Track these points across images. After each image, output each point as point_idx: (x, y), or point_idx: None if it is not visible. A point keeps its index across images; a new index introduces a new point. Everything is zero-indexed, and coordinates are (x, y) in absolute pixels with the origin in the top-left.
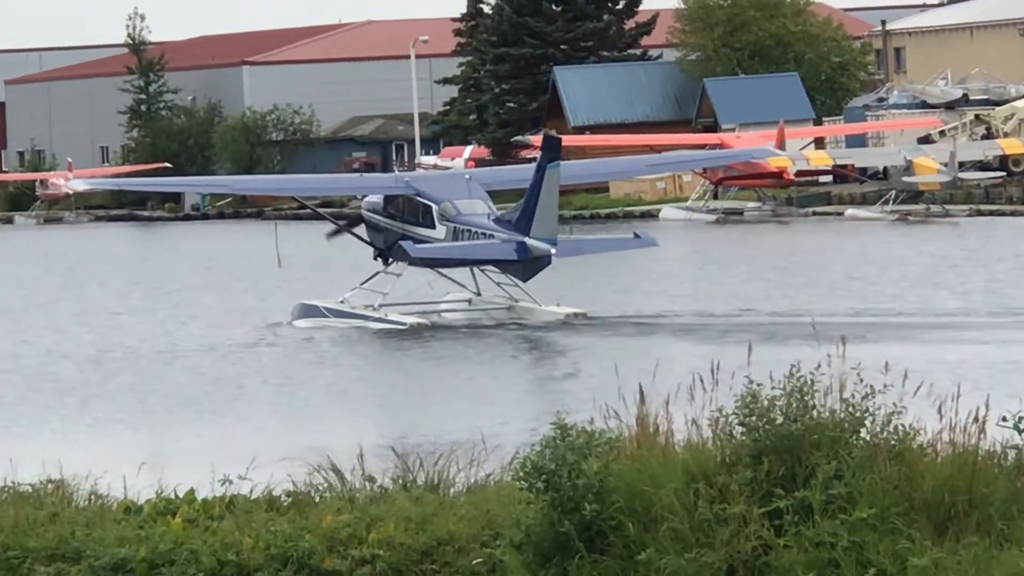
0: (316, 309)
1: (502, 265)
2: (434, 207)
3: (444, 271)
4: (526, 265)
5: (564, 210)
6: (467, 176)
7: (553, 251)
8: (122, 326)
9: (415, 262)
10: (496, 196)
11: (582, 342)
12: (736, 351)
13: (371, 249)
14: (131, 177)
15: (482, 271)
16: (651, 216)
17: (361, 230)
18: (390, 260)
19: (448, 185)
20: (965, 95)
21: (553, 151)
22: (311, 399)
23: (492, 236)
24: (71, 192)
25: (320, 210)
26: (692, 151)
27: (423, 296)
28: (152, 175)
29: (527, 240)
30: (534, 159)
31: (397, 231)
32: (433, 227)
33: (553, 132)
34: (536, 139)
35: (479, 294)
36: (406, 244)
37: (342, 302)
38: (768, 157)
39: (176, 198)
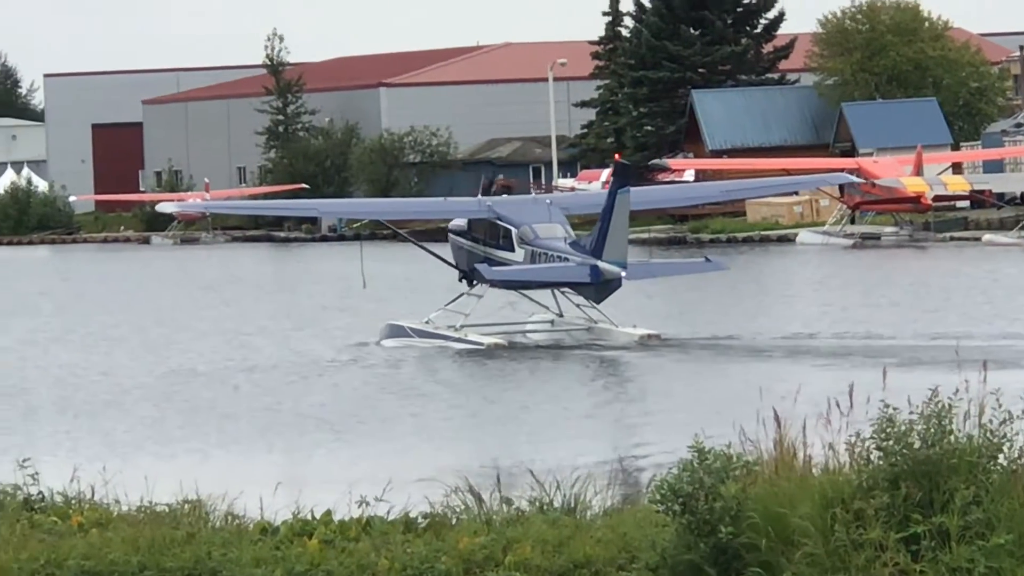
0: (402, 329)
1: (576, 287)
2: (513, 230)
3: (526, 292)
4: (598, 287)
5: (701, 233)
6: (548, 201)
7: (623, 274)
8: (253, 345)
9: (496, 284)
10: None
11: (709, 366)
12: (871, 375)
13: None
14: (266, 199)
15: (562, 293)
16: (787, 240)
17: (447, 252)
18: (474, 282)
19: (528, 209)
20: None
21: (623, 178)
22: (442, 419)
23: (567, 259)
24: (206, 213)
25: (405, 233)
26: (771, 178)
27: (509, 317)
28: (289, 196)
29: (599, 263)
30: (672, 182)
31: (479, 253)
32: (512, 250)
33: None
34: (674, 163)
35: (561, 315)
36: (481, 266)
37: (427, 322)
38: (840, 183)
39: (313, 219)
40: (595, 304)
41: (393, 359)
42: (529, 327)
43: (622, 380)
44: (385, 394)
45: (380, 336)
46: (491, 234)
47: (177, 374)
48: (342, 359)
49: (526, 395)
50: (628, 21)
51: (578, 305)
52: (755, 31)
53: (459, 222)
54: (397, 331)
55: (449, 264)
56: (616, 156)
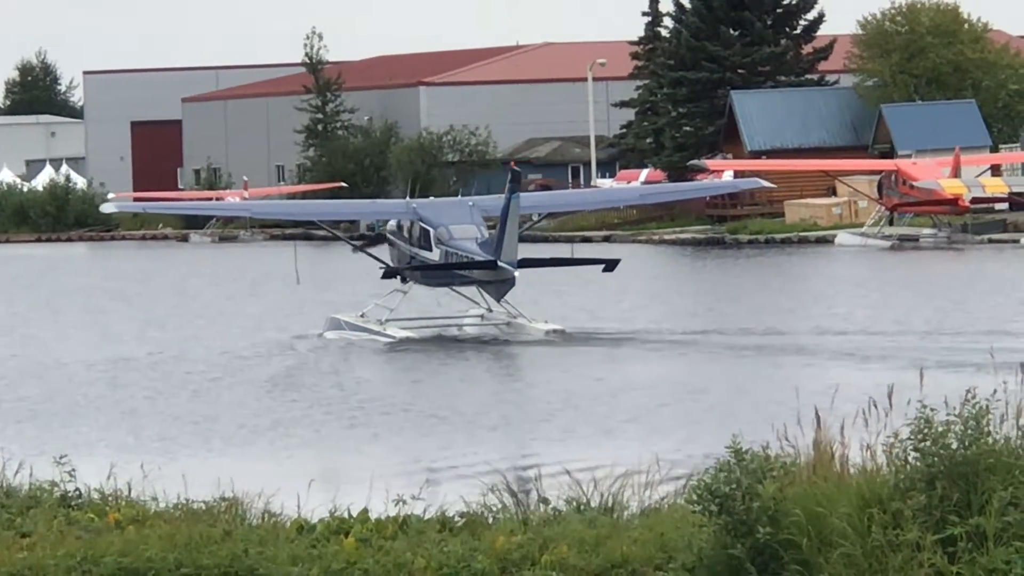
0: (339, 322)
1: (480, 285)
2: (432, 231)
3: (457, 289)
4: (497, 285)
5: (739, 234)
6: (470, 203)
7: (517, 274)
8: (282, 344)
9: (419, 280)
10: None
11: (750, 366)
12: (908, 376)
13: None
14: (305, 198)
15: (480, 291)
16: (826, 241)
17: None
18: (405, 279)
19: (449, 211)
20: None
21: (515, 183)
22: (476, 417)
23: (472, 259)
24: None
25: (337, 232)
26: (691, 183)
27: (444, 311)
28: (328, 195)
29: (498, 262)
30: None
31: (407, 252)
32: (431, 249)
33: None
34: (713, 163)
35: (490, 310)
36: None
37: (361, 316)
38: (752, 187)
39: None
40: (496, 300)
41: (422, 358)
42: (466, 321)
43: (653, 380)
44: (419, 392)
45: (323, 328)
46: (414, 235)
47: (208, 371)
48: (383, 357)
49: (560, 393)
50: (668, 21)
51: (499, 302)
52: (795, 32)
53: (393, 223)
54: (335, 323)
55: (379, 261)
56: (511, 163)
